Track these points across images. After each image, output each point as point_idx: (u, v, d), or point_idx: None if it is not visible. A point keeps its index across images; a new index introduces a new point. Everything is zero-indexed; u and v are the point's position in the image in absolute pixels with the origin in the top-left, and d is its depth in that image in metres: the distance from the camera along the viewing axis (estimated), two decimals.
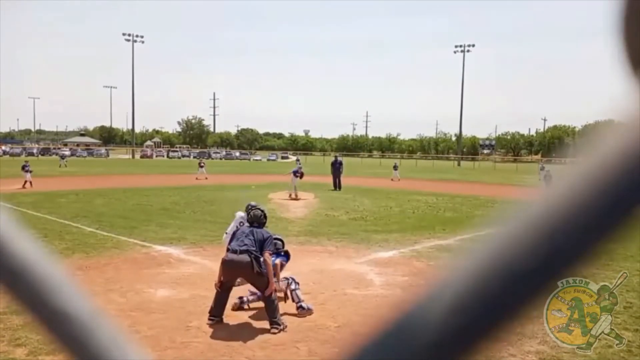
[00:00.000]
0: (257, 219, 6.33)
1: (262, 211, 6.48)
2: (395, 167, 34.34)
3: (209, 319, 6.03)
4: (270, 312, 5.94)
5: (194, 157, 66.87)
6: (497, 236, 0.26)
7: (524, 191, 0.27)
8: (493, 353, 0.28)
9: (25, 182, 23.20)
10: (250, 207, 6.63)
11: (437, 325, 0.26)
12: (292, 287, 6.60)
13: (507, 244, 0.26)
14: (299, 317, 6.32)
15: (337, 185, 25.15)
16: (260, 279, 5.94)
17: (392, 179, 32.33)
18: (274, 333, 5.81)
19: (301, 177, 21.43)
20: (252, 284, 6.15)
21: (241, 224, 6.98)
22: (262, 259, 5.93)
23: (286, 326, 5.93)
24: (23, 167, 23.92)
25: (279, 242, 6.88)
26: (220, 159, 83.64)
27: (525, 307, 0.26)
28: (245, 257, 5.88)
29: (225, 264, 6.01)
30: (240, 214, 7.50)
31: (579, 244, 0.25)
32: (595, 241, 0.25)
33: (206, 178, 30.20)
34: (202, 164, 33.24)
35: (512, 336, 0.26)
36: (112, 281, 7.63)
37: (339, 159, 26.65)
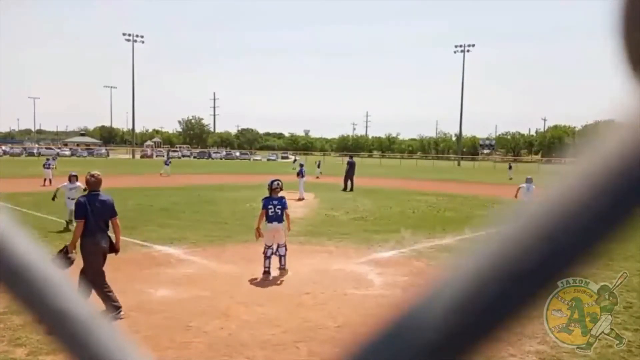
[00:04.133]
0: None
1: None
2: (318, 165, 34.69)
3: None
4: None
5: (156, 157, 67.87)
6: (497, 236, 0.26)
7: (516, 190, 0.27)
8: (493, 353, 0.28)
9: (45, 179, 23.30)
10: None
11: (437, 325, 0.26)
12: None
13: (507, 244, 0.26)
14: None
15: (348, 186, 24.81)
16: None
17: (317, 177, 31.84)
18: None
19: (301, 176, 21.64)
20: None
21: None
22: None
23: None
24: (44, 165, 24.53)
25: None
26: (221, 158, 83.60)
27: (525, 307, 0.26)
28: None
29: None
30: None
31: (578, 244, 0.25)
32: (595, 241, 0.25)
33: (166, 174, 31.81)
34: (168, 162, 35.66)
35: (512, 336, 0.26)
36: (112, 281, 7.61)
37: (351, 160, 26.32)
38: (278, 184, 8.42)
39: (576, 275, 0.25)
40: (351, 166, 25.53)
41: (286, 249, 8.33)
